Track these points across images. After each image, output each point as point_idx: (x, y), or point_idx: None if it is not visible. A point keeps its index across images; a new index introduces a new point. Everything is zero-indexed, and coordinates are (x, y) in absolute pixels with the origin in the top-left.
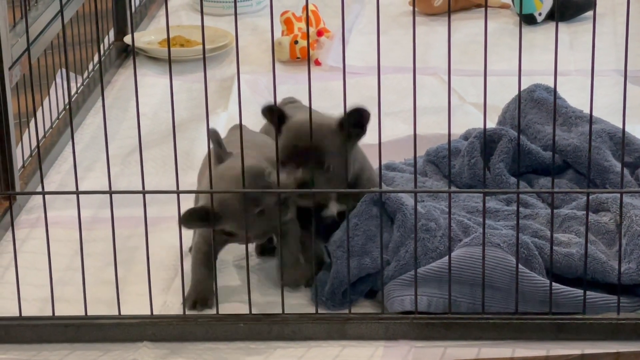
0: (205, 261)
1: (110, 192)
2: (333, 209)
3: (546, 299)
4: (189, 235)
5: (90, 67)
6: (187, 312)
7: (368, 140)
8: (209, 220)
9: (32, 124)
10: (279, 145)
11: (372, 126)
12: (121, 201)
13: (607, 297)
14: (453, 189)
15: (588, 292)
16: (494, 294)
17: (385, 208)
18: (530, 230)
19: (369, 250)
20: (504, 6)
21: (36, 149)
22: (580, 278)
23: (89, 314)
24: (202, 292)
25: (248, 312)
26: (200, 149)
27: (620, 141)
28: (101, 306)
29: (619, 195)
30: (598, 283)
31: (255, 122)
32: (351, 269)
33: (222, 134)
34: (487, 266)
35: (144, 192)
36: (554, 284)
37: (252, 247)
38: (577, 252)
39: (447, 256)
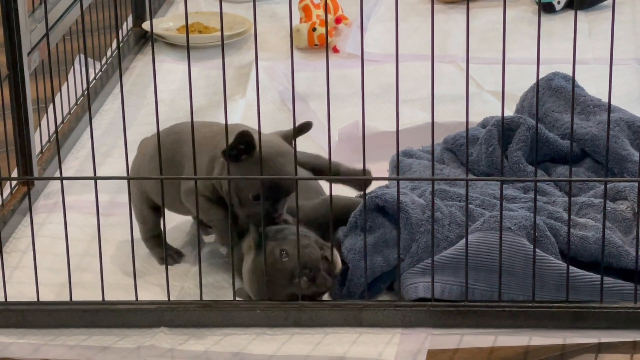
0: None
1: (128, 178)
2: None
3: (562, 282)
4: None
5: (109, 53)
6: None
7: (386, 127)
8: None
9: (50, 109)
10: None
11: (390, 113)
12: None
13: (623, 284)
14: (470, 176)
15: (604, 278)
16: (510, 280)
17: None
18: (545, 212)
19: (379, 249)
20: None
21: (54, 135)
22: (595, 262)
23: (106, 299)
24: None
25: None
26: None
27: (638, 130)
28: (119, 291)
29: (636, 183)
30: (612, 268)
31: (273, 109)
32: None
33: (239, 121)
34: (502, 251)
35: (161, 179)
36: (570, 267)
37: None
38: (593, 236)
39: (461, 243)
